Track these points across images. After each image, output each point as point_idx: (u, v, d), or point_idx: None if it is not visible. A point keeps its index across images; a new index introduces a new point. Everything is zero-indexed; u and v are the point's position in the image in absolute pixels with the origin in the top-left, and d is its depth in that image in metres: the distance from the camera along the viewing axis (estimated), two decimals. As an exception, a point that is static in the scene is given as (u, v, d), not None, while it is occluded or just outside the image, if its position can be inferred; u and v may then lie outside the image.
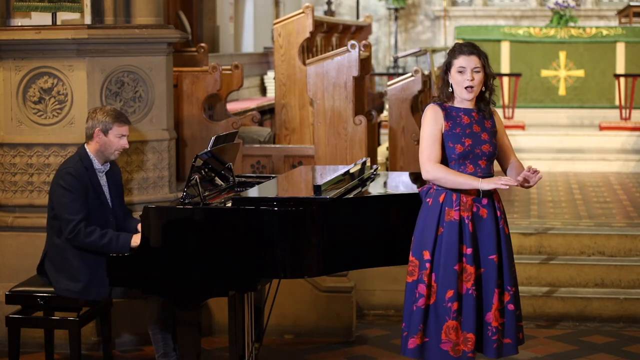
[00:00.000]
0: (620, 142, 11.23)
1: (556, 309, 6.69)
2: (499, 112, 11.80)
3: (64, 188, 4.94)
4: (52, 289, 5.03)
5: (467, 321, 4.30)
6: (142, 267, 4.57)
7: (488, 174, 4.36)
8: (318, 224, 4.45)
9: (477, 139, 4.34)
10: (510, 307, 4.36)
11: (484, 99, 4.39)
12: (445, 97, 4.39)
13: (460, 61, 4.32)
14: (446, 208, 4.34)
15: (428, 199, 4.40)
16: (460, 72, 4.31)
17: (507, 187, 4.25)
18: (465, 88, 4.31)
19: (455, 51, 4.37)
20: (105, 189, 5.11)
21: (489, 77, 4.37)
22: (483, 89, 4.37)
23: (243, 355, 4.92)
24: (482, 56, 4.35)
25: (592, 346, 6.03)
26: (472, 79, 4.30)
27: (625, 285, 6.86)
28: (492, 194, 4.37)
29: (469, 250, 4.31)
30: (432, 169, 4.31)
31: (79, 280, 4.98)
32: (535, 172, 4.28)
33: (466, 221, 4.32)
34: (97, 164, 5.08)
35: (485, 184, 4.26)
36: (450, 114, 4.36)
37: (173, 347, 5.09)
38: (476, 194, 4.33)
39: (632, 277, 6.87)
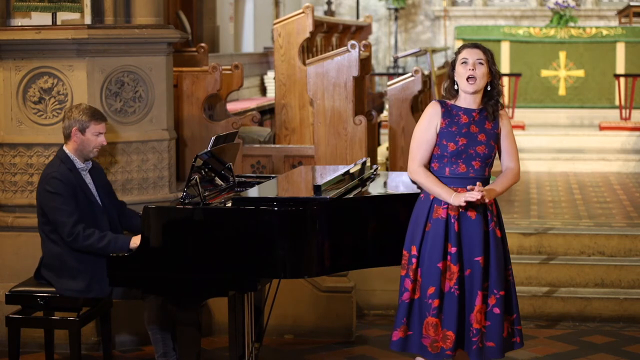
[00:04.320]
0: (620, 142, 11.24)
1: (556, 309, 6.69)
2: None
3: (52, 192, 4.93)
4: (52, 289, 5.02)
5: (448, 319, 4.31)
6: (142, 267, 4.57)
7: (482, 175, 4.36)
8: (318, 224, 4.45)
9: (473, 139, 4.34)
10: (496, 310, 4.33)
11: (491, 99, 4.38)
12: (450, 95, 4.42)
13: (464, 54, 4.36)
14: (435, 205, 4.37)
15: (422, 194, 4.45)
16: (463, 62, 4.34)
17: (475, 200, 4.25)
18: (467, 79, 4.31)
19: (460, 48, 4.43)
20: (92, 186, 5.10)
21: (495, 75, 4.38)
22: (488, 87, 4.37)
23: (243, 355, 4.92)
24: (487, 53, 4.37)
25: (592, 346, 6.03)
26: (474, 69, 4.30)
27: (625, 285, 6.86)
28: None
29: (453, 249, 4.32)
30: (414, 171, 4.39)
31: (80, 279, 4.98)
32: (479, 192, 4.25)
33: (452, 220, 4.33)
34: (79, 164, 5.07)
35: (454, 200, 4.29)
36: (450, 112, 4.37)
37: (172, 346, 5.09)
38: None
39: (632, 277, 6.87)
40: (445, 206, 4.34)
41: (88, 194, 5.05)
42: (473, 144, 4.33)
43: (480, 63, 4.32)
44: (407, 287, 4.39)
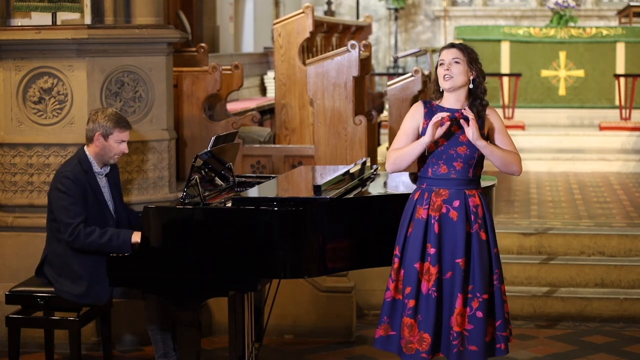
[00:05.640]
0: (620, 142, 11.23)
1: (556, 309, 6.69)
2: (499, 112, 11.93)
3: (62, 192, 4.92)
4: (52, 289, 5.02)
5: (425, 321, 4.30)
6: (142, 267, 4.57)
7: (465, 177, 4.34)
8: (318, 224, 4.45)
9: (454, 140, 4.34)
10: (479, 314, 4.30)
11: (477, 99, 4.37)
12: (434, 95, 4.45)
13: (442, 55, 4.41)
14: (417, 205, 4.38)
15: (411, 195, 4.46)
16: (441, 64, 4.38)
17: (442, 123, 4.24)
18: (443, 77, 4.35)
19: (440, 50, 4.48)
20: (105, 190, 5.09)
21: (477, 74, 4.36)
22: (471, 85, 4.37)
23: (243, 355, 4.92)
24: (465, 51, 4.38)
25: (592, 346, 6.03)
26: (449, 69, 4.33)
27: (625, 285, 6.86)
28: (467, 198, 4.35)
29: (432, 250, 4.31)
30: (389, 154, 4.42)
31: (80, 284, 4.97)
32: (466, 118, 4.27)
33: (432, 221, 4.33)
34: (96, 167, 5.05)
35: (425, 137, 4.28)
36: (433, 112, 4.38)
37: (173, 347, 5.09)
38: (447, 195, 4.33)
39: (632, 277, 6.87)
40: (426, 207, 4.34)
41: (99, 197, 5.03)
42: (454, 144, 4.32)
43: (457, 62, 4.34)
44: (389, 287, 4.41)
